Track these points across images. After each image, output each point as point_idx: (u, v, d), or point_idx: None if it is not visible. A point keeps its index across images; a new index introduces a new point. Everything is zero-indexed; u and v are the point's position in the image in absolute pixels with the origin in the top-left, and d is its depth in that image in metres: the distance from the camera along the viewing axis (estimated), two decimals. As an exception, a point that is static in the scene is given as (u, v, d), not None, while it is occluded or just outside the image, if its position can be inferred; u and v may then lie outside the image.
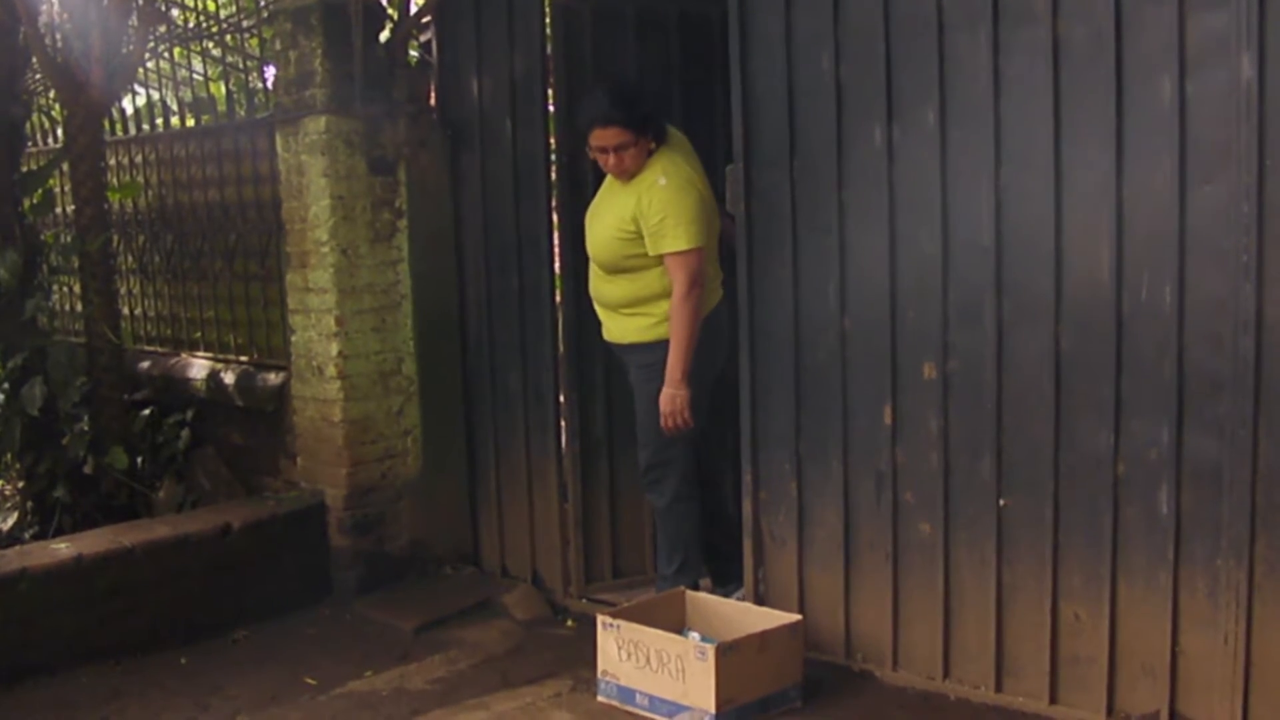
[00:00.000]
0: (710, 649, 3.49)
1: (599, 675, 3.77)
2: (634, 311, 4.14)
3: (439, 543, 4.94)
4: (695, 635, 3.79)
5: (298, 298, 4.78)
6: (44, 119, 6.54)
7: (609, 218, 4.09)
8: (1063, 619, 3.44)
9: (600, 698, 3.76)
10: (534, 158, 4.57)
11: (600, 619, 3.76)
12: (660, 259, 3.99)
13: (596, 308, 4.29)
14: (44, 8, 5.45)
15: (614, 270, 4.12)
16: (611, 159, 4.03)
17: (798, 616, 3.77)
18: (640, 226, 3.99)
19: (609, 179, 4.19)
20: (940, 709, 3.60)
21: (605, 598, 4.50)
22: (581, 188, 4.39)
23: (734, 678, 3.50)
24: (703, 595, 4.02)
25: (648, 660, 3.62)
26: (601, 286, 4.21)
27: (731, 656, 3.51)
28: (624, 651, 3.67)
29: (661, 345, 4.06)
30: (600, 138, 4.02)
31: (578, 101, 4.26)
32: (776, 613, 3.80)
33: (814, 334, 3.85)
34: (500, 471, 4.85)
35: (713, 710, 3.48)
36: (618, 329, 4.22)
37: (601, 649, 3.75)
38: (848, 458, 3.82)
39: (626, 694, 3.69)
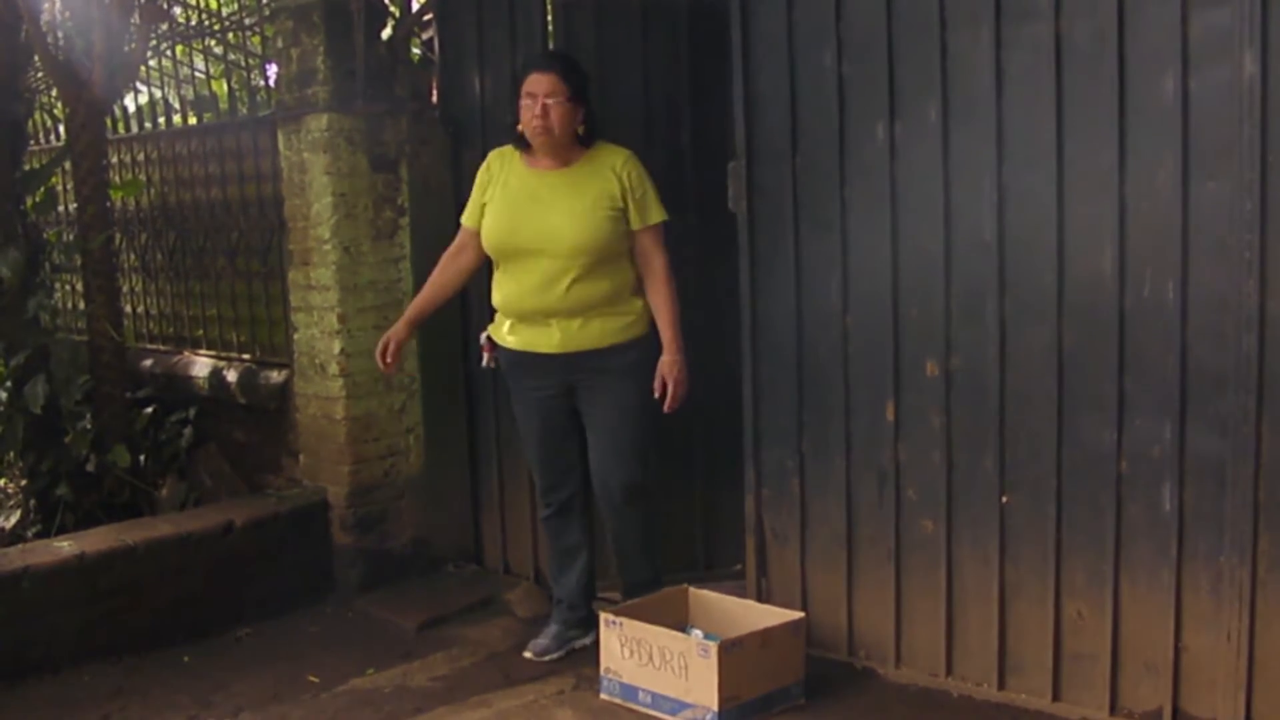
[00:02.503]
0: (713, 646, 3.49)
1: (601, 673, 3.77)
2: (611, 311, 3.89)
3: (441, 540, 4.94)
4: (698, 633, 3.78)
5: (300, 295, 4.78)
6: (46, 117, 6.55)
7: (584, 202, 3.83)
8: (1065, 616, 3.44)
9: (603, 695, 3.77)
10: (536, 155, 4.57)
11: (603, 616, 3.76)
12: (629, 245, 3.88)
13: (541, 322, 3.91)
14: (46, 6, 5.45)
15: (601, 260, 3.84)
16: (538, 107, 3.80)
17: (800, 614, 3.76)
18: (627, 200, 3.86)
19: (520, 176, 3.94)
20: (943, 706, 3.60)
21: (607, 595, 4.50)
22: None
23: (736, 675, 3.50)
24: (705, 593, 4.02)
25: (650, 658, 3.62)
26: (567, 292, 3.84)
27: (734, 654, 3.51)
28: (626, 649, 3.67)
29: (642, 340, 3.92)
30: (534, 83, 3.81)
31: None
32: (779, 610, 3.80)
33: (816, 331, 3.85)
34: (502, 469, 4.84)
35: (715, 708, 3.48)
36: (586, 335, 3.90)
37: (604, 646, 3.75)
38: (850, 455, 3.82)
39: (629, 691, 3.69)
